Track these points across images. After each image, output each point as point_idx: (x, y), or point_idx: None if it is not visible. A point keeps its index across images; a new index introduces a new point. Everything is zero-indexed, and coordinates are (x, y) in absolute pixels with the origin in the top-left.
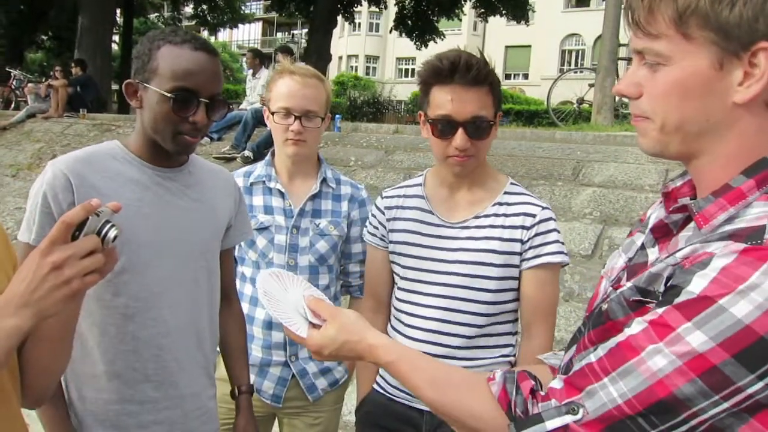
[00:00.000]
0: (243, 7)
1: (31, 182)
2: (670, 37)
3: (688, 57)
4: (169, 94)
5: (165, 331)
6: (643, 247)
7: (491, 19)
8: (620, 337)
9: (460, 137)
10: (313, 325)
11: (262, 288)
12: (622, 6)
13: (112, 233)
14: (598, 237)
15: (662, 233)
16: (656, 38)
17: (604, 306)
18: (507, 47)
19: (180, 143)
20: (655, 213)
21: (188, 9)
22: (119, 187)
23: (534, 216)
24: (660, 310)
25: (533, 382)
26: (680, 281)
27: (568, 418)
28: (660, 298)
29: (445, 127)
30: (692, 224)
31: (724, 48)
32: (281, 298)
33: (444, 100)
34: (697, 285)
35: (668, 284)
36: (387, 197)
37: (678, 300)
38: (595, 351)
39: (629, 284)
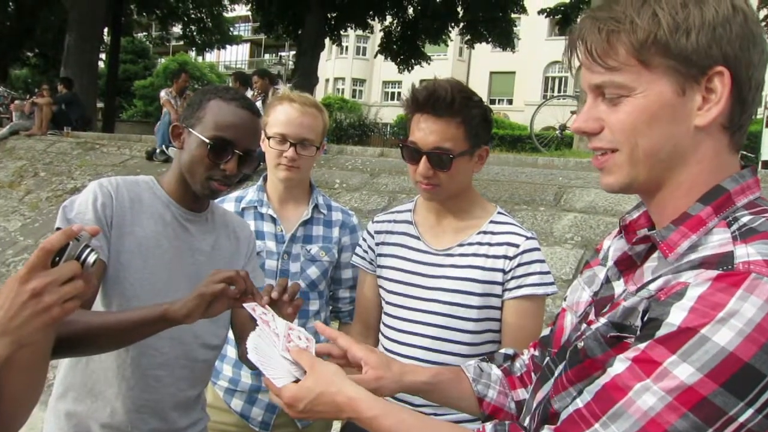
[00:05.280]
0: (231, 29)
1: (11, 200)
2: (631, 68)
3: (651, 85)
4: (208, 141)
5: (163, 362)
6: (608, 280)
7: (477, 45)
8: (605, 378)
9: (422, 165)
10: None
11: (252, 345)
12: (572, 39)
13: (91, 258)
14: (579, 262)
15: (626, 265)
16: (616, 71)
17: (580, 344)
18: (492, 73)
19: (208, 188)
20: (614, 245)
21: (177, 29)
22: (145, 217)
23: (517, 246)
24: (642, 346)
25: None
26: (658, 314)
27: None
28: (638, 332)
29: (411, 154)
30: (656, 254)
31: (685, 74)
32: (270, 353)
33: (415, 128)
34: (676, 316)
35: (645, 318)
36: (378, 222)
37: (659, 333)
38: (581, 395)
39: (603, 320)
